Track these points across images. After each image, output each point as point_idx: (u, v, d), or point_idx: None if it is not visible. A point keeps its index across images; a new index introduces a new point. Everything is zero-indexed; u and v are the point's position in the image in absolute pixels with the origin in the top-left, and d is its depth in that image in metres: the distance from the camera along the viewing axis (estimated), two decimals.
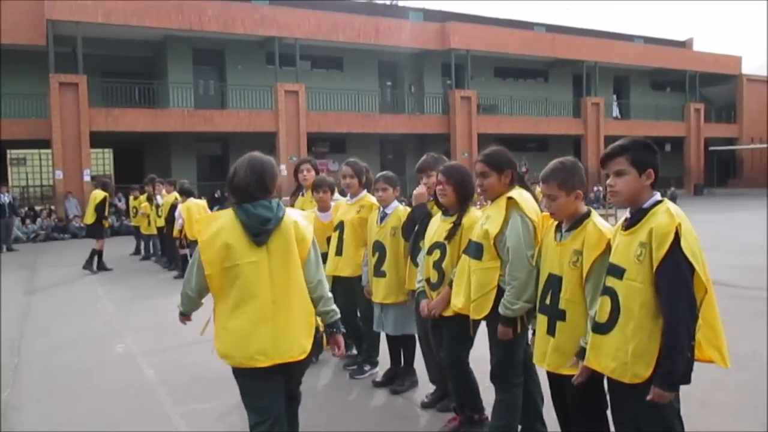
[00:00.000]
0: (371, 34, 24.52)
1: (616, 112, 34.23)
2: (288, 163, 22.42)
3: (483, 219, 3.27)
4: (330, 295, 2.90)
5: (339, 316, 2.91)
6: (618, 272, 2.45)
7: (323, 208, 5.06)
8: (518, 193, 3.17)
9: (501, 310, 3.05)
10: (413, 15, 28.49)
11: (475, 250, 3.24)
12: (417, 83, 28.05)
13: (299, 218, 2.84)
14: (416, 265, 3.90)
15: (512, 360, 3.21)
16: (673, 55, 33.80)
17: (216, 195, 21.18)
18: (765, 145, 36.01)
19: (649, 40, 35.23)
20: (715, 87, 36.48)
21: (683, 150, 33.67)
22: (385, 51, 26.03)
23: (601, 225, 2.75)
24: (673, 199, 27.10)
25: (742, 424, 3.79)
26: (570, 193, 2.77)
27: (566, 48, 29.20)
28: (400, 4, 39.40)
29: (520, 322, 3.07)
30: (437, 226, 3.61)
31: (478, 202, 4.35)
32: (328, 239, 4.91)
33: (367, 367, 4.81)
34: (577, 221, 2.79)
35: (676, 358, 2.27)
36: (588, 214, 2.80)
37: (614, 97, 34.23)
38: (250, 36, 22.50)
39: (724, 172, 36.65)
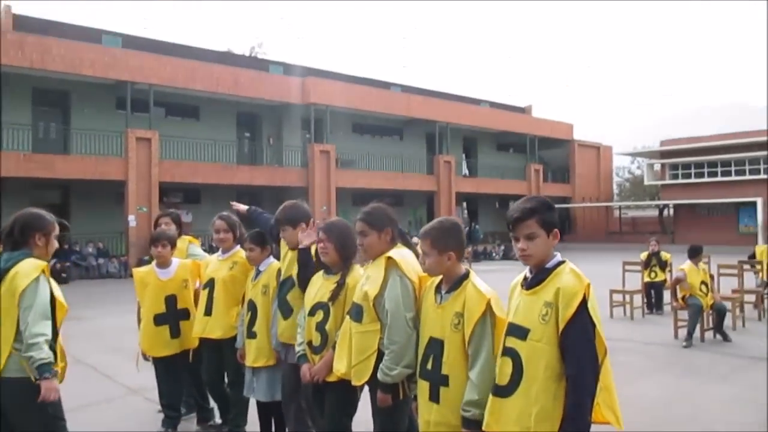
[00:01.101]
0: (230, 84, 24.16)
1: (465, 170, 36.17)
2: (137, 213, 21.15)
3: (363, 279, 3.15)
4: (33, 340, 2.86)
5: (44, 360, 2.86)
6: (521, 333, 2.40)
7: (162, 264, 4.70)
8: (398, 252, 3.07)
9: (379, 376, 2.91)
10: (273, 68, 28.59)
11: (356, 313, 3.10)
12: (276, 135, 27.93)
13: (23, 269, 2.99)
14: (284, 317, 3.77)
15: (395, 428, 3.05)
16: (515, 119, 36.57)
17: None
18: (595, 204, 39.73)
19: (494, 105, 37.99)
20: (552, 150, 39.82)
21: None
22: (243, 102, 25.75)
23: (480, 285, 2.74)
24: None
25: None
26: (442, 253, 2.75)
27: (420, 108, 30.62)
28: (260, 56, 39.62)
29: (401, 388, 2.93)
30: (319, 285, 3.45)
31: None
32: (167, 298, 4.59)
33: None
34: (456, 283, 2.76)
35: (579, 421, 2.25)
36: (466, 275, 2.78)
37: (464, 156, 36.23)
38: (100, 79, 21.26)
39: (560, 229, 39.61)
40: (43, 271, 3.03)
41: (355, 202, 29.03)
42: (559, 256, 2.48)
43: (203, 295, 4.43)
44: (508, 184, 35.36)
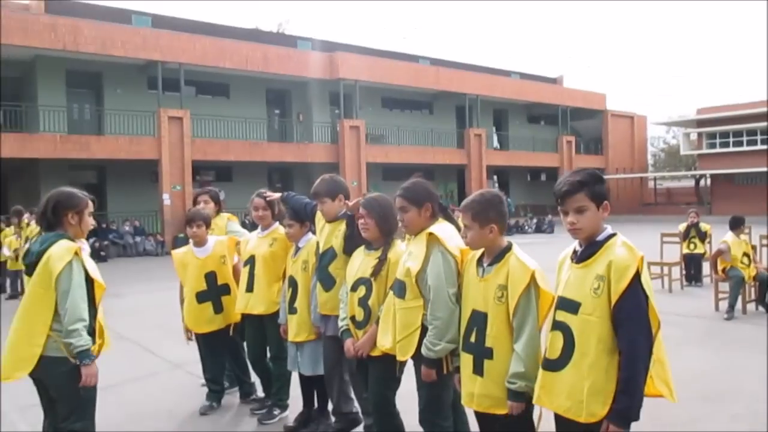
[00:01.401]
0: (258, 61, 24.17)
1: (496, 143, 35.81)
2: (171, 192, 21.46)
3: (405, 256, 3.15)
4: (73, 327, 2.94)
5: (83, 347, 2.96)
6: (572, 307, 2.38)
7: (198, 243, 4.76)
8: (440, 227, 3.06)
9: (423, 351, 2.92)
10: (301, 44, 28.47)
11: (399, 289, 3.11)
12: (305, 112, 27.93)
13: (55, 253, 3.00)
14: (325, 289, 3.81)
15: (440, 402, 3.07)
16: (546, 90, 35.95)
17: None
18: (630, 175, 39.07)
19: (524, 76, 37.32)
20: (584, 121, 39.16)
21: (558, 179, 35.57)
22: (273, 79, 25.75)
23: (523, 258, 2.72)
24: (551, 226, 28.63)
25: None
26: (484, 226, 2.73)
27: (449, 81, 30.28)
28: (287, 32, 39.52)
29: (444, 363, 2.94)
30: (361, 261, 3.46)
31: None
32: (207, 275, 4.66)
33: (276, 411, 4.52)
34: (499, 255, 2.75)
35: (634, 394, 2.23)
36: (509, 248, 2.76)
37: (494, 128, 35.82)
38: (131, 59, 21.45)
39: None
40: (76, 253, 3.02)
41: (386, 177, 29.00)
42: (609, 229, 2.44)
43: (244, 271, 4.49)
44: (540, 157, 34.91)
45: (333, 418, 4.08)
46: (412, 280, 3.01)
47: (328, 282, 3.82)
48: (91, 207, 3.24)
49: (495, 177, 35.24)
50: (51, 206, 3.12)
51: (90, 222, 3.24)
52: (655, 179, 41.35)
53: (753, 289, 8.36)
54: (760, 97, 38.73)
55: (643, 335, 2.25)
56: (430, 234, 3.01)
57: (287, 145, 25.65)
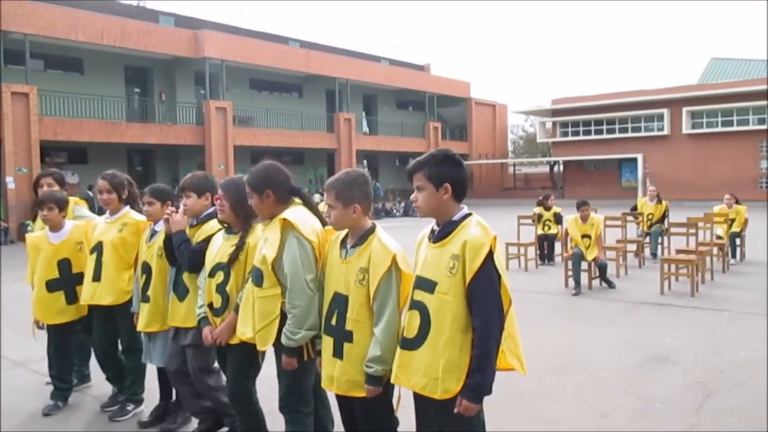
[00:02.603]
0: (116, 35, 22.66)
1: (365, 127, 36.14)
2: (16, 175, 19.66)
3: (262, 242, 3.02)
4: None
5: None
6: (428, 286, 2.41)
7: (54, 227, 4.38)
8: (293, 212, 2.93)
9: (283, 340, 2.83)
10: (164, 19, 27.04)
11: (257, 277, 2.99)
12: (168, 91, 26.62)
13: None
14: (179, 299, 3.63)
15: (301, 388, 3.00)
16: (414, 77, 36.75)
17: None
18: (491, 161, 40.96)
19: (393, 62, 37.91)
20: (450, 108, 40.49)
21: None
22: (132, 55, 24.29)
23: (386, 240, 2.72)
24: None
25: (504, 419, 4.09)
26: (347, 206, 2.70)
27: (319, 64, 30.07)
28: (149, 6, 37.34)
29: (305, 350, 2.88)
30: (220, 245, 3.31)
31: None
32: (60, 263, 4.32)
33: (130, 407, 4.25)
34: (362, 237, 2.73)
35: (486, 370, 2.30)
36: (372, 230, 2.75)
37: (364, 113, 36.11)
38: None
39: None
40: None
41: (255, 161, 28.04)
42: (465, 209, 2.49)
43: (91, 259, 4.15)
44: (408, 142, 35.71)
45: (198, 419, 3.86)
46: (268, 268, 2.90)
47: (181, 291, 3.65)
48: None
49: (365, 161, 35.59)
50: None
51: None
52: (514, 165, 43.67)
53: (598, 269, 9.03)
54: (608, 90, 41.92)
55: (495, 313, 2.32)
56: (284, 220, 2.89)
57: (149, 126, 24.33)
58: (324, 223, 3.00)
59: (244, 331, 3.07)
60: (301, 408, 3.01)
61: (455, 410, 2.31)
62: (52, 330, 4.44)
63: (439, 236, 2.47)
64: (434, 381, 2.36)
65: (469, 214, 2.47)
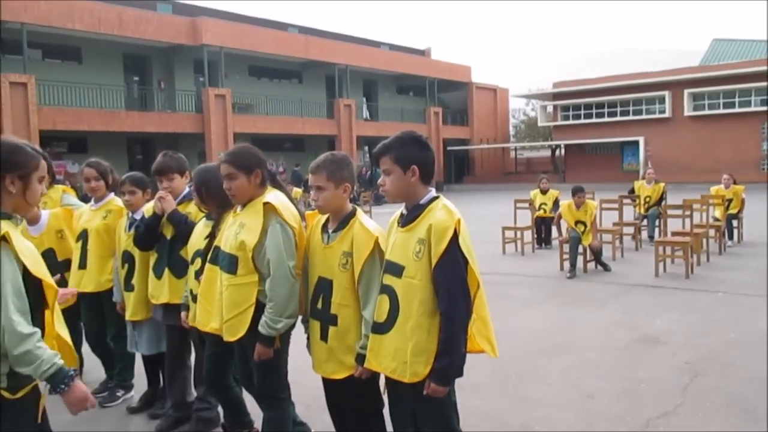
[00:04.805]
0: (113, 23, 22.59)
1: (366, 113, 36.03)
2: None
3: (236, 227, 2.91)
4: (17, 350, 1.97)
5: (49, 368, 2.01)
6: (397, 270, 2.42)
7: (31, 220, 4.35)
8: (275, 197, 2.87)
9: (262, 329, 2.75)
10: (161, 7, 26.91)
11: (229, 264, 2.88)
12: (167, 79, 26.57)
13: None
14: (157, 277, 3.66)
15: (276, 374, 2.94)
16: (415, 62, 36.55)
17: None
18: (493, 145, 40.84)
19: (393, 47, 37.72)
20: (451, 93, 40.28)
21: None
22: (130, 43, 24.22)
23: (367, 224, 2.72)
24: None
25: (491, 400, 4.12)
26: (339, 185, 2.70)
27: (319, 50, 29.94)
28: None
29: (278, 337, 2.80)
30: (200, 233, 3.33)
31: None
32: (44, 253, 4.26)
33: (119, 392, 4.30)
34: (343, 221, 2.73)
35: (452, 354, 2.31)
36: (353, 213, 2.76)
37: (364, 99, 35.98)
38: None
39: (459, 170, 40.61)
40: (4, 238, 2.01)
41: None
42: (433, 192, 2.49)
43: (77, 247, 4.19)
44: (409, 128, 34.48)
45: (172, 409, 3.83)
46: (247, 254, 2.83)
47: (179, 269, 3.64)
48: (43, 169, 2.25)
49: (366, 147, 35.55)
50: None
51: (39, 190, 2.23)
52: (516, 149, 43.47)
53: (592, 252, 9.03)
54: (610, 72, 41.60)
55: (460, 296, 2.32)
56: (267, 203, 2.83)
57: (148, 115, 24.32)
58: (299, 210, 2.98)
59: (212, 324, 3.02)
60: (278, 394, 2.97)
61: (424, 392, 2.33)
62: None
63: (406, 220, 2.47)
64: (403, 365, 2.38)
65: (437, 197, 2.47)
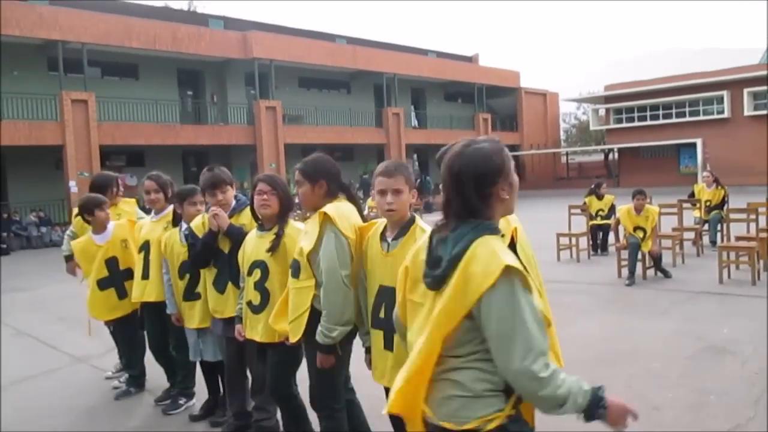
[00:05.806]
0: (168, 40, 23.26)
1: (414, 121, 36.04)
2: (78, 179, 20.45)
3: (302, 234, 3.05)
4: None
5: None
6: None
7: (97, 229, 4.62)
8: (334, 207, 2.91)
9: (319, 338, 2.81)
10: (213, 22, 27.61)
11: (294, 269, 3.02)
12: (220, 93, 27.18)
13: None
14: (219, 291, 3.72)
15: (332, 384, 2.98)
16: (462, 68, 36.41)
17: None
18: (543, 151, 40.27)
19: (441, 55, 37.67)
20: (499, 99, 39.92)
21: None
22: (184, 59, 24.89)
23: (428, 228, 2.70)
24: None
25: None
26: (411, 189, 2.73)
27: (367, 60, 30.15)
28: (199, 10, 38.21)
29: (339, 345, 2.85)
30: (254, 244, 3.36)
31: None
32: (108, 261, 4.57)
33: (182, 400, 4.39)
34: (404, 228, 2.70)
35: None
36: (413, 220, 2.74)
37: (412, 107, 36.01)
38: (28, 39, 20.15)
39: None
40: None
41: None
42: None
43: (139, 258, 4.32)
44: (458, 135, 34.91)
45: (233, 418, 3.88)
46: (304, 260, 2.93)
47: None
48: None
49: (415, 155, 35.56)
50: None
51: None
52: (567, 154, 42.76)
53: (652, 259, 8.76)
54: (663, 73, 40.54)
55: None
56: (324, 213, 2.89)
57: (201, 128, 24.92)
58: (364, 221, 3.00)
59: (282, 325, 3.10)
60: (332, 404, 3.00)
61: None
62: (112, 325, 4.79)
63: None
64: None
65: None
